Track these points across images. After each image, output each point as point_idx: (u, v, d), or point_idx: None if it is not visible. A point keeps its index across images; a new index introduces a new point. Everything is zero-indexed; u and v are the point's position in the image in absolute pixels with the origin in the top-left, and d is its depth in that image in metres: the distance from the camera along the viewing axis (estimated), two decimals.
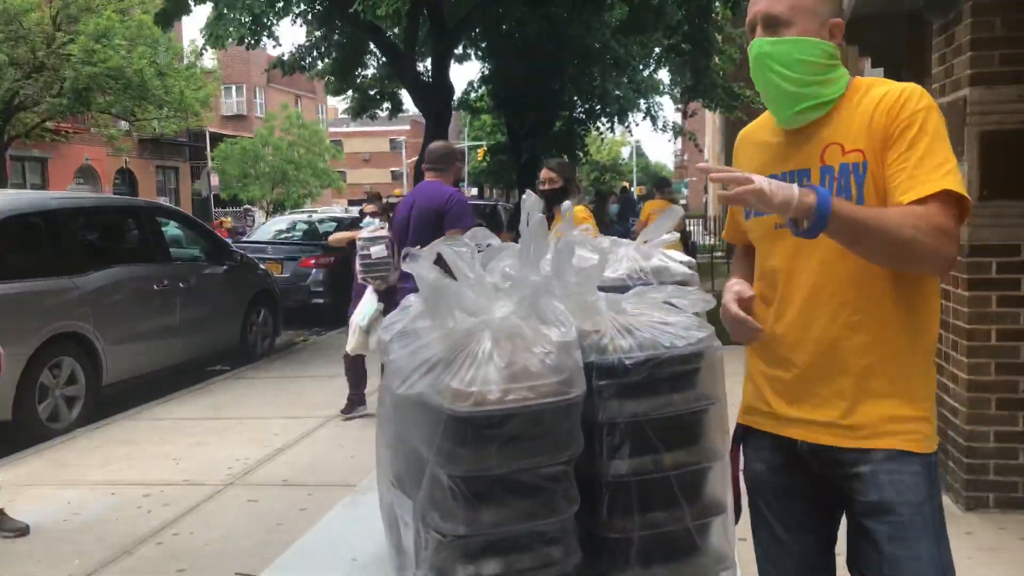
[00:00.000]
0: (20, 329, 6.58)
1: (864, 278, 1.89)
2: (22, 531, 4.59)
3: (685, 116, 29.41)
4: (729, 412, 2.01)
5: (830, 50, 1.93)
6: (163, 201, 30.31)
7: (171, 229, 9.82)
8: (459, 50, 19.57)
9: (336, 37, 17.42)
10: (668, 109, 53.77)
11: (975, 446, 4.39)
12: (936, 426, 1.97)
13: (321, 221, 14.80)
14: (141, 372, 8.04)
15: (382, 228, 6.84)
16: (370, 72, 19.94)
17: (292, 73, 17.87)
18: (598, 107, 24.69)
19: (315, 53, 17.70)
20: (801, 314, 1.96)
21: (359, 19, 13.53)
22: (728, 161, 2.32)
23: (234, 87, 48.10)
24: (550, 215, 5.33)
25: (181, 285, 8.64)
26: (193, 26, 77.76)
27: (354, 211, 16.06)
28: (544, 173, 5.94)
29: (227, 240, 12.14)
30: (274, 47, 21.93)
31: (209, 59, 27.27)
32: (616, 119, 25.00)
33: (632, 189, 35.40)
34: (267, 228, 15.62)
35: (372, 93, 20.39)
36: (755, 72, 1.97)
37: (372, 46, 17.32)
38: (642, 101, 25.77)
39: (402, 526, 1.71)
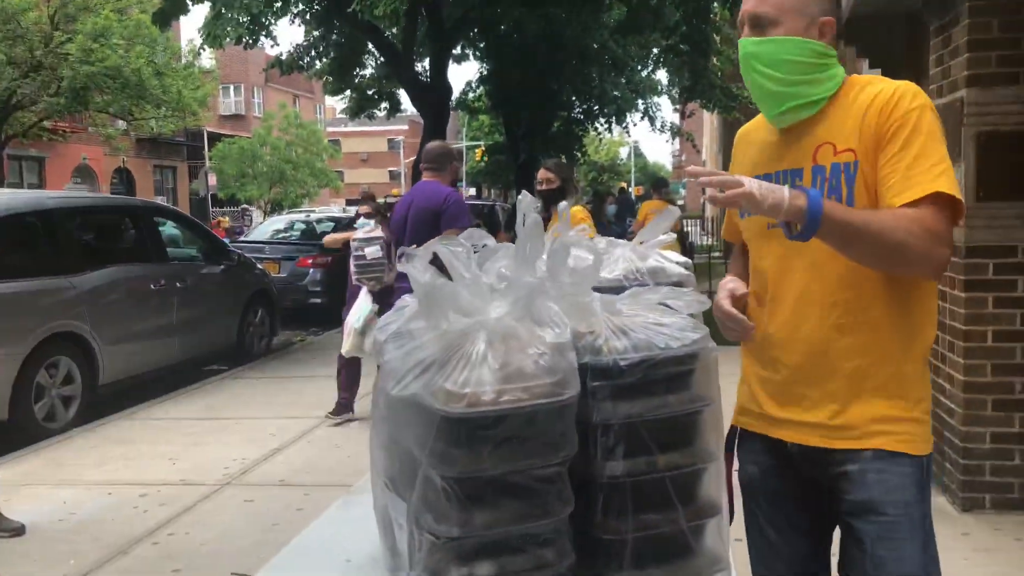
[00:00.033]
0: (16, 329, 6.58)
1: (855, 280, 1.87)
2: (18, 531, 4.59)
3: (683, 117, 29.41)
4: (724, 412, 2.01)
5: (818, 49, 1.91)
6: (161, 201, 30.29)
7: (168, 229, 9.82)
8: (457, 50, 19.59)
9: (334, 37, 17.43)
10: (666, 109, 53.96)
11: (971, 447, 4.40)
12: (931, 428, 1.96)
13: (319, 221, 14.80)
14: (138, 372, 8.04)
15: (376, 229, 6.80)
16: (368, 72, 19.96)
17: (290, 73, 17.88)
18: (596, 107, 24.75)
19: (313, 53, 17.71)
20: (791, 315, 1.95)
21: (357, 19, 13.53)
22: (727, 160, 2.32)
23: (232, 87, 48.09)
24: (547, 215, 5.33)
25: (178, 285, 8.65)
26: (191, 25, 77.69)
27: (352, 211, 16.06)
28: (542, 173, 5.95)
29: (224, 240, 12.13)
30: (272, 47, 21.91)
31: (207, 59, 27.24)
32: (614, 119, 25.03)
33: (630, 190, 35.44)
34: (264, 228, 15.63)
35: (370, 93, 20.40)
36: (743, 72, 1.97)
37: (370, 46, 17.32)
38: (640, 102, 25.81)
39: (396, 528, 1.71)
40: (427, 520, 1.54)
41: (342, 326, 6.76)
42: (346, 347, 6.52)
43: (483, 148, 36.85)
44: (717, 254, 14.55)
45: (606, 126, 26.32)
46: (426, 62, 17.24)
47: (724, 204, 1.75)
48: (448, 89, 16.50)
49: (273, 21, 14.79)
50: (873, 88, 1.89)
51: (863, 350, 1.88)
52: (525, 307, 1.64)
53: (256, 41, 14.75)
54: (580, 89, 22.75)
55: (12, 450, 6.22)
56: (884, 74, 6.67)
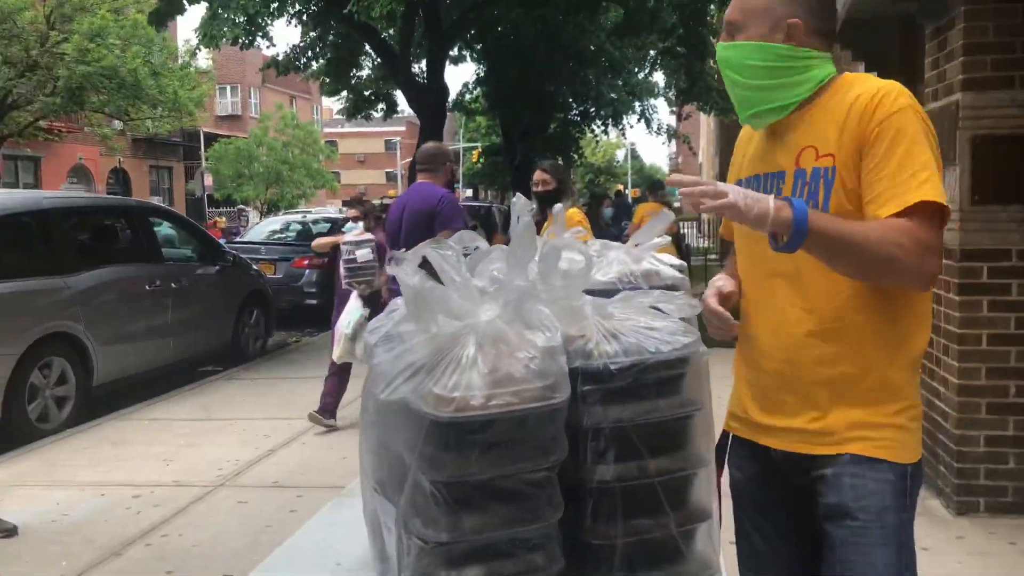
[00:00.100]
0: (10, 329, 6.56)
1: (836, 286, 1.82)
2: (10, 532, 4.57)
3: (680, 119, 29.48)
4: (717, 416, 2.00)
5: (783, 52, 1.87)
6: (157, 201, 30.26)
7: (164, 229, 9.80)
8: (454, 52, 19.60)
9: (331, 38, 17.43)
10: (663, 112, 53.81)
11: (965, 451, 4.39)
12: (918, 437, 1.91)
13: (315, 222, 14.78)
14: (132, 372, 8.01)
15: (366, 232, 6.70)
16: (365, 73, 19.97)
17: (287, 73, 17.86)
18: (593, 109, 24.78)
19: (310, 53, 17.70)
20: (772, 319, 1.92)
21: (354, 20, 13.52)
22: (723, 163, 2.31)
23: (229, 87, 48.00)
24: (543, 217, 5.32)
25: (173, 285, 8.62)
26: (188, 26, 77.58)
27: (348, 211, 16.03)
28: (537, 175, 5.93)
29: (220, 240, 12.11)
30: (268, 47, 21.89)
31: (204, 59, 27.22)
32: (610, 121, 25.06)
33: (627, 192, 35.43)
34: (260, 228, 15.60)
35: (367, 94, 20.40)
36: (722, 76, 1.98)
37: (367, 47, 17.31)
38: (637, 104, 25.84)
39: (385, 532, 1.70)
40: (415, 524, 1.54)
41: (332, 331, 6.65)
42: (337, 353, 6.41)
43: (480, 150, 36.85)
44: (713, 256, 14.56)
45: (603, 128, 26.38)
46: (423, 63, 17.23)
47: (710, 212, 1.72)
48: (445, 90, 16.50)
49: (269, 22, 14.79)
50: (855, 90, 1.84)
51: (843, 358, 1.84)
52: (516, 310, 1.63)
53: (252, 42, 14.75)
54: (577, 91, 22.78)
55: (5, 451, 6.19)
56: (880, 77, 6.67)
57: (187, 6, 14.18)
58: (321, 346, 10.64)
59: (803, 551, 1.98)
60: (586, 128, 26.57)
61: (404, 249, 1.85)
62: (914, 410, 1.90)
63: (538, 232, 3.28)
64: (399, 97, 20.34)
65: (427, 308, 1.60)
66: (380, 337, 1.77)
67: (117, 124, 27.09)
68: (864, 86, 1.85)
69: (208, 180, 38.92)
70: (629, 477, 1.63)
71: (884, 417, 1.84)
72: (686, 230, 22.93)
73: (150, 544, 4.49)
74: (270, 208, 38.89)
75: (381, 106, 20.90)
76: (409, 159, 15.48)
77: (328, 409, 6.61)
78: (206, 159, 39.28)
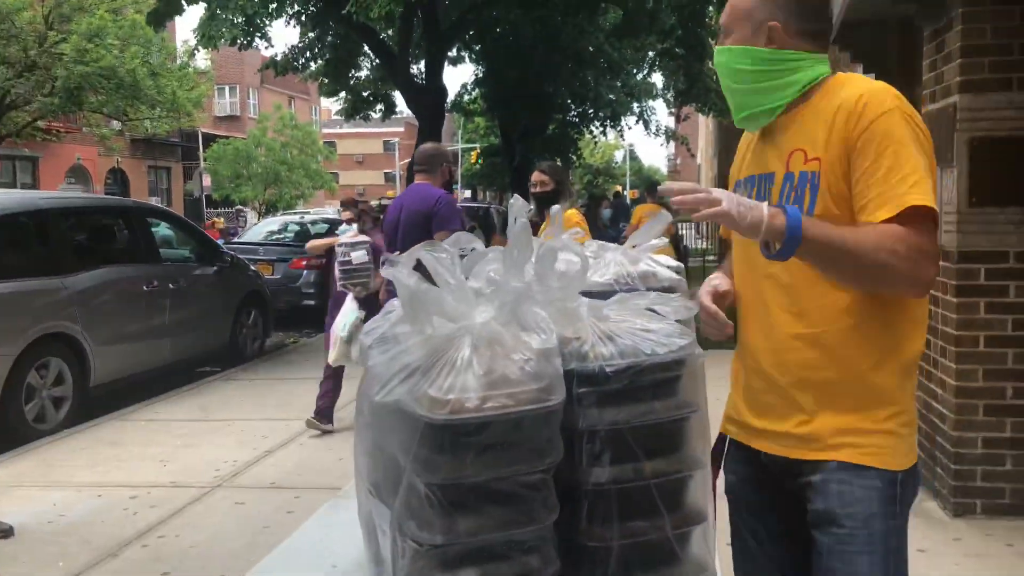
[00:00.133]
0: (7, 329, 6.55)
1: (825, 290, 1.80)
2: (6, 532, 4.56)
3: (678, 120, 29.49)
4: (713, 418, 1.99)
5: (764, 55, 1.86)
6: (155, 201, 30.24)
7: (161, 230, 9.79)
8: (453, 52, 19.60)
9: (329, 38, 17.43)
10: (661, 113, 54.03)
11: (963, 452, 4.39)
12: (911, 442, 1.88)
13: (313, 223, 14.77)
14: (129, 373, 8.01)
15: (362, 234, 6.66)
16: (364, 74, 19.96)
17: (285, 74, 17.87)
18: (591, 110, 24.78)
19: (308, 54, 17.71)
20: (762, 322, 1.91)
21: (352, 21, 13.51)
22: (722, 164, 2.31)
23: (227, 88, 47.96)
24: (541, 218, 5.32)
25: (171, 286, 8.61)
26: (186, 26, 77.51)
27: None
28: (536, 176, 5.93)
29: (218, 241, 12.10)
30: (267, 48, 21.86)
31: (202, 59, 27.18)
32: (609, 123, 25.06)
33: (625, 193, 35.44)
34: (259, 229, 15.59)
35: (365, 95, 20.40)
36: None
37: (366, 48, 17.31)
38: (635, 105, 25.85)
39: (380, 534, 1.70)
40: (410, 527, 1.53)
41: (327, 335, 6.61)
42: (332, 356, 6.37)
43: (478, 150, 36.83)
44: (712, 257, 14.56)
45: (601, 129, 26.38)
46: (421, 64, 17.23)
47: (704, 219, 1.70)
48: (444, 91, 16.50)
49: (268, 22, 14.78)
50: (843, 93, 1.82)
51: (832, 362, 1.82)
52: (511, 312, 1.63)
53: (251, 42, 14.74)
54: (576, 92, 22.78)
55: (2, 451, 6.18)
56: (877, 79, 6.67)
57: (185, 6, 14.19)
58: (319, 347, 10.60)
59: (795, 555, 1.97)
60: (585, 129, 26.58)
61: (401, 250, 1.85)
62: (906, 415, 1.87)
63: (536, 233, 3.29)
64: (398, 98, 20.34)
65: (422, 309, 1.60)
66: (376, 339, 1.77)
67: (115, 124, 27.04)
68: (852, 88, 1.82)
69: (206, 181, 38.90)
70: (625, 479, 1.63)
71: (873, 423, 1.82)
72: (684, 231, 22.93)
73: (147, 545, 4.48)
74: (268, 209, 38.89)
75: (380, 107, 20.90)
76: (407, 160, 15.49)
77: (323, 413, 6.59)
78: (204, 160, 39.25)
